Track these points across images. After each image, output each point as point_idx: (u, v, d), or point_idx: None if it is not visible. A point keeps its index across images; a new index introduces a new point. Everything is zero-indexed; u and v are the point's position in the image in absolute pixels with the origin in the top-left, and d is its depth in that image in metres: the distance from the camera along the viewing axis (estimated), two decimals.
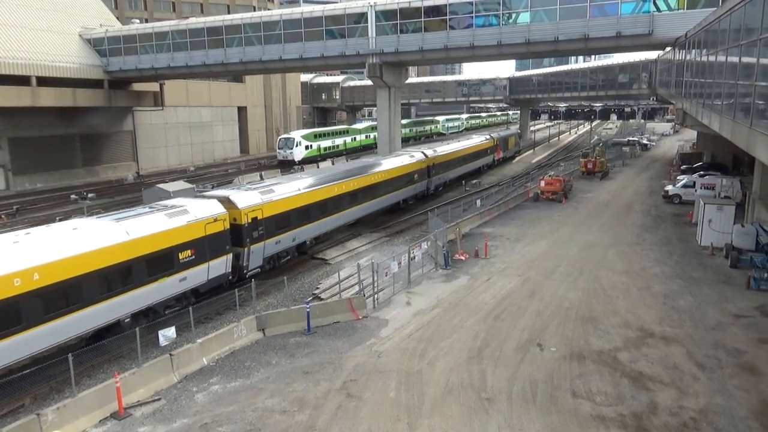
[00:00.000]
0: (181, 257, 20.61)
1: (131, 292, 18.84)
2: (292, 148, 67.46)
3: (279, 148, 69.11)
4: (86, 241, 17.68)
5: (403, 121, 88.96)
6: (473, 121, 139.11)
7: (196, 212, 21.61)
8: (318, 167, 55.27)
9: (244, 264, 24.13)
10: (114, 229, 18.74)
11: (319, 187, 29.53)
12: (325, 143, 74.13)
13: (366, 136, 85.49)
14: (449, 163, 48.61)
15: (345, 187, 31.66)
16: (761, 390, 15.30)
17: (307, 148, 69.39)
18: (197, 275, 21.46)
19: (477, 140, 59.63)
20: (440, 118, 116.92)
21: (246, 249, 23.96)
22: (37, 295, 15.93)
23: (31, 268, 15.85)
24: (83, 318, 17.37)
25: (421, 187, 42.90)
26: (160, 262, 19.79)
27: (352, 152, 77.35)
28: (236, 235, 23.40)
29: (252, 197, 24.82)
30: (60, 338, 16.90)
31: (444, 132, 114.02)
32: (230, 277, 23.46)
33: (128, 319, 19.09)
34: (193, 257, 21.09)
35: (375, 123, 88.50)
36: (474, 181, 53.16)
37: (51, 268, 16.32)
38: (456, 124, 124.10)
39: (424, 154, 43.33)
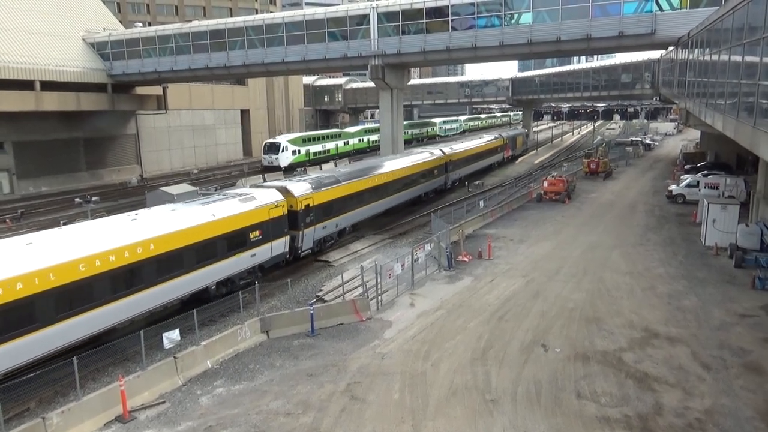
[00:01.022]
0: (251, 236, 24.04)
1: (217, 264, 22.31)
2: (277, 154, 64.61)
3: (264, 154, 66.04)
4: (184, 220, 21.18)
5: None
6: (472, 123, 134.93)
7: (261, 199, 25.02)
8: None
9: (299, 245, 27.65)
10: (203, 211, 22.24)
11: (357, 179, 33.21)
12: (315, 148, 71.20)
13: (359, 140, 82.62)
14: (464, 160, 52.51)
15: (378, 180, 35.43)
16: (767, 390, 15.22)
17: (294, 153, 66.42)
18: (263, 252, 24.98)
19: (488, 139, 63.46)
20: (437, 120, 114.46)
21: (300, 232, 27.51)
22: (153, 261, 19.39)
23: (148, 239, 19.39)
24: (184, 282, 20.84)
25: (440, 182, 46.91)
26: (237, 239, 23.26)
27: (344, 157, 74.66)
28: (292, 219, 26.85)
29: (304, 187, 28.41)
30: (168, 298, 20.37)
31: (441, 134, 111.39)
32: (287, 257, 27.00)
33: (214, 287, 22.64)
34: (260, 237, 24.55)
35: (368, 126, 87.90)
36: (477, 182, 53.25)
37: (162, 240, 19.82)
38: (453, 126, 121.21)
39: (443, 152, 47.35)
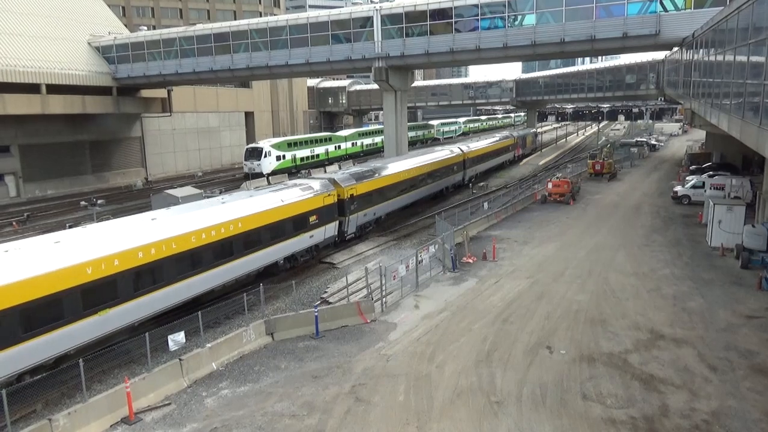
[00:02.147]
0: (310, 220, 27.72)
1: (285, 241, 26.12)
2: (259, 159, 58.86)
3: (245, 160, 59.98)
4: (260, 204, 24.97)
5: None
6: (471, 125, 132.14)
7: (317, 188, 28.82)
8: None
9: (345, 230, 31.33)
10: (274, 198, 26.02)
11: (391, 173, 36.65)
12: (302, 153, 65.74)
13: (352, 144, 77.89)
14: (479, 158, 56.20)
15: (407, 174, 39.12)
16: None
17: (278, 158, 61.03)
18: (318, 234, 28.72)
19: (500, 138, 67.70)
20: (434, 123, 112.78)
21: (347, 218, 31.21)
22: (240, 237, 23.19)
23: (236, 218, 23.17)
24: (263, 255, 24.66)
25: (458, 178, 50.57)
26: (299, 222, 26.93)
27: (335, 162, 69.80)
28: (340, 207, 30.54)
29: (348, 179, 32.22)
30: (250, 268, 24.14)
31: (439, 137, 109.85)
32: (336, 239, 30.83)
33: (282, 261, 26.43)
34: (316, 221, 28.26)
35: (361, 130, 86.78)
36: (481, 184, 53.28)
37: (246, 219, 23.63)
38: (452, 128, 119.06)
39: (461, 149, 51.35)
